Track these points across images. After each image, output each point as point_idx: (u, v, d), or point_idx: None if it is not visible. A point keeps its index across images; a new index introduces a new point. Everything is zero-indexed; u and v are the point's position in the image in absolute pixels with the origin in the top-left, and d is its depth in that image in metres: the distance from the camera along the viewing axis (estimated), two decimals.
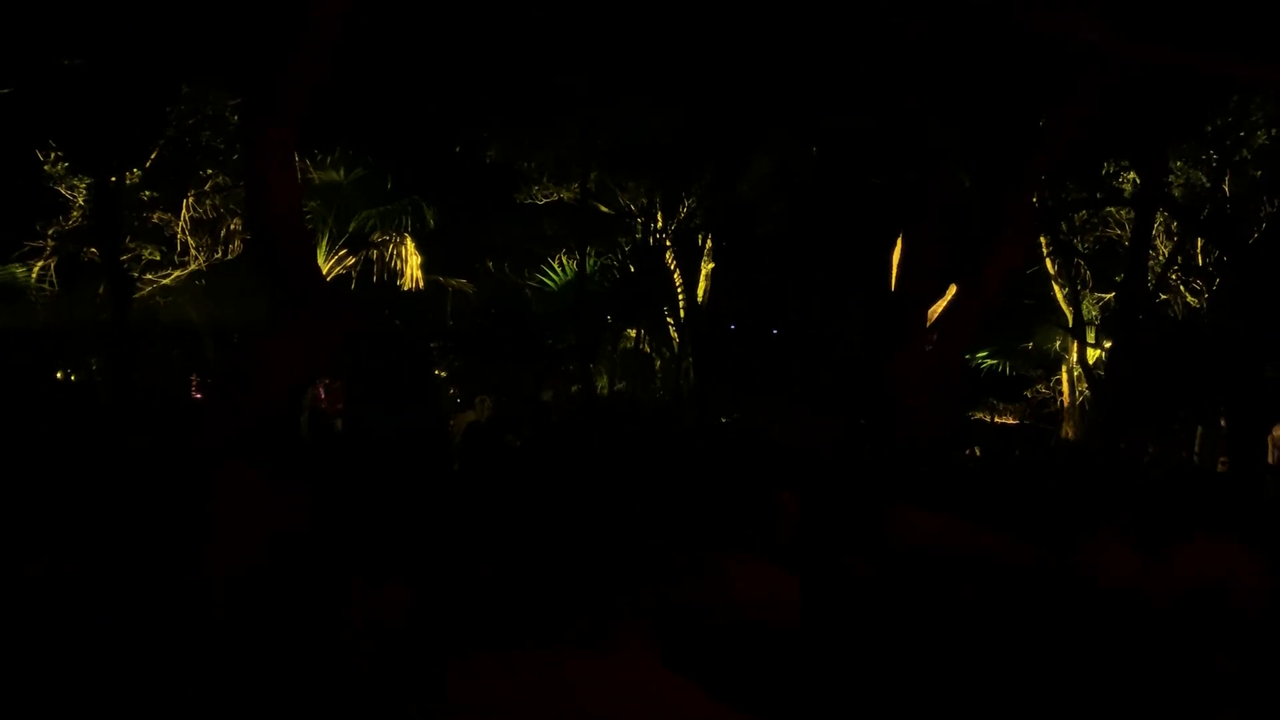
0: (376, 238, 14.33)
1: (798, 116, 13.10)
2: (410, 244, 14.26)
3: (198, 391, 13.96)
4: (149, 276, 13.35)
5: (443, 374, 14.58)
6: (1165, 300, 15.74)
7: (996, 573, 2.58)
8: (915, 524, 2.68)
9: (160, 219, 13.14)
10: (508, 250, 15.40)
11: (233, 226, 13.03)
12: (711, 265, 15.48)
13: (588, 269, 13.99)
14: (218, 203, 12.97)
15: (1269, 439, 13.59)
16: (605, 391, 15.45)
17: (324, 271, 11.41)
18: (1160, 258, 15.27)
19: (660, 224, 15.36)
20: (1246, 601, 2.54)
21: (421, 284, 14.27)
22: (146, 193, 12.99)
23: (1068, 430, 16.89)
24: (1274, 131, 13.88)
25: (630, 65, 12.99)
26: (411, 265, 14.22)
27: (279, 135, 3.64)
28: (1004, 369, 18.09)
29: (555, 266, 15.36)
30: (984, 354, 17.34)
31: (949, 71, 9.33)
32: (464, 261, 15.33)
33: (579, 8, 12.17)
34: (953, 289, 11.47)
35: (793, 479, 4.18)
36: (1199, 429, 15.47)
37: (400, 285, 14.42)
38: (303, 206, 4.15)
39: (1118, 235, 15.53)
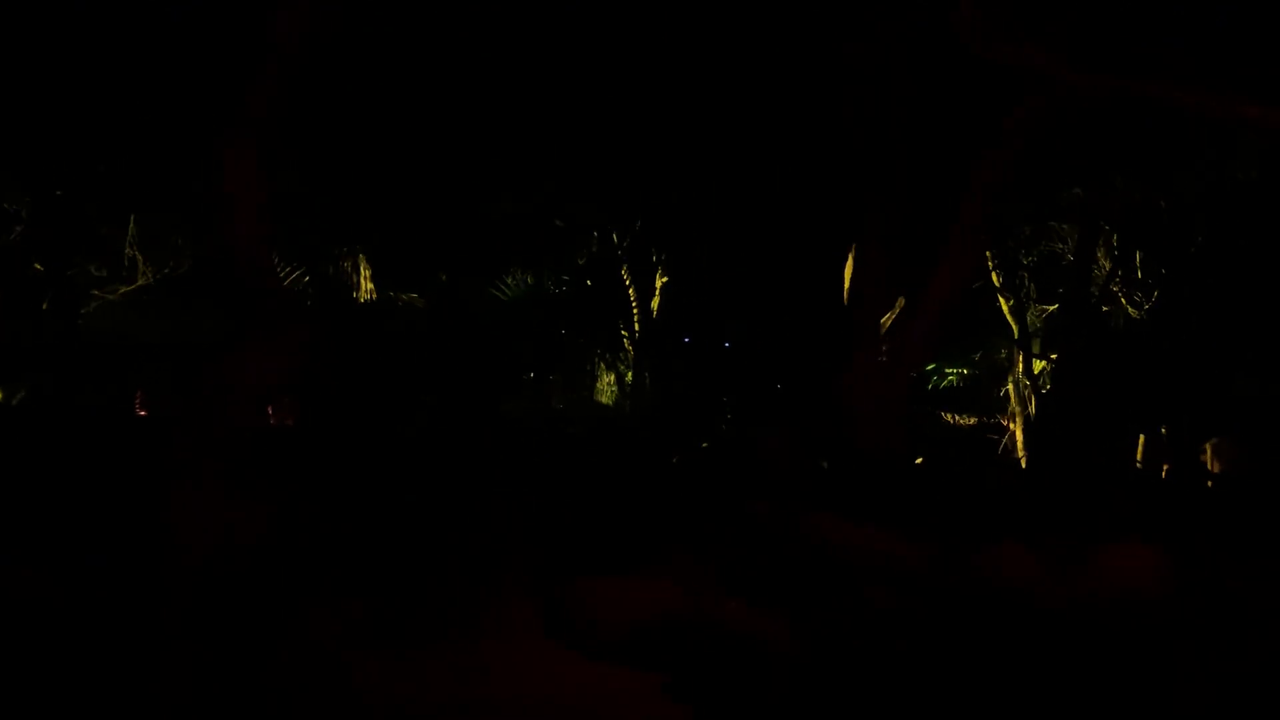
0: (333, 251, 14.26)
1: (750, 133, 13.28)
2: (363, 258, 14.20)
3: (142, 409, 13.73)
4: (95, 293, 13.13)
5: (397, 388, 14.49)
6: (1108, 311, 16.15)
7: (903, 578, 2.73)
8: (834, 531, 2.82)
9: (107, 234, 12.95)
10: (462, 265, 15.37)
11: (182, 242, 12.88)
12: (666, 279, 15.60)
13: (543, 283, 14.01)
14: (168, 218, 12.82)
15: (1209, 447, 13.97)
16: (562, 406, 15.47)
17: None
18: (1102, 270, 15.68)
19: (615, 238, 15.45)
20: (1155, 605, 2.66)
21: (375, 296, 14.21)
22: (93, 207, 12.80)
23: (1016, 439, 17.24)
24: (1212, 146, 14.35)
25: (586, 81, 13.09)
26: (365, 278, 14.15)
27: (242, 151, 3.65)
28: (956, 381, 18.42)
29: (509, 281, 15.39)
30: (931, 366, 17.64)
31: (896, 87, 9.55)
32: (416, 276, 15.28)
33: (535, 24, 12.23)
34: (902, 301, 11.71)
35: (760, 490, 4.29)
36: (1141, 437, 15.87)
37: (355, 298, 14.34)
38: (266, 219, 4.16)
39: (1060, 249, 15.92)
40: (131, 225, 12.89)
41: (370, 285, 14.23)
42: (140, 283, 13.19)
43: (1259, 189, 12.92)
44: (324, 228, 14.10)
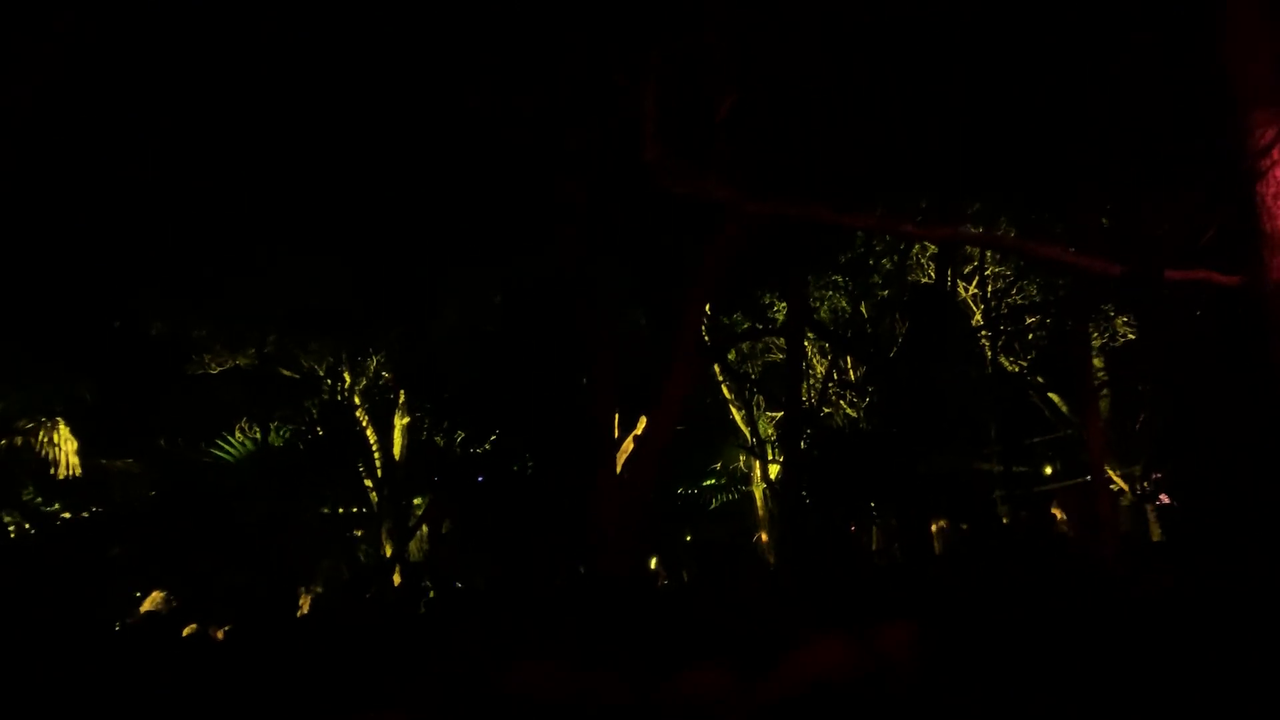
0: (23, 424, 12.82)
1: (475, 269, 13.42)
2: (64, 429, 12.87)
3: None
4: None
5: (112, 565, 13.08)
6: (829, 413, 17.32)
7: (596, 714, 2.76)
8: (531, 676, 2.82)
9: None
10: (180, 425, 14.33)
11: None
12: (407, 419, 15.22)
13: (271, 437, 13.28)
14: None
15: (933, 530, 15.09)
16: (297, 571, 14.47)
17: None
18: (820, 375, 16.87)
19: (348, 383, 14.96)
20: (848, 694, 2.82)
21: (78, 471, 12.85)
22: None
23: (763, 541, 17.94)
24: (895, 258, 15.96)
25: (301, 225, 12.79)
26: (67, 451, 12.81)
27: None
28: (695, 490, 19.02)
29: (235, 438, 14.45)
30: (681, 488, 18.17)
31: (607, 222, 10.05)
32: (130, 440, 14.08)
33: (236, 164, 11.85)
34: (642, 421, 12.05)
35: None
36: (874, 526, 16.96)
37: (54, 474, 12.94)
38: None
39: (781, 359, 17.04)
40: None
41: (74, 459, 12.86)
42: None
43: (934, 293, 14.41)
44: (16, 395, 12.75)
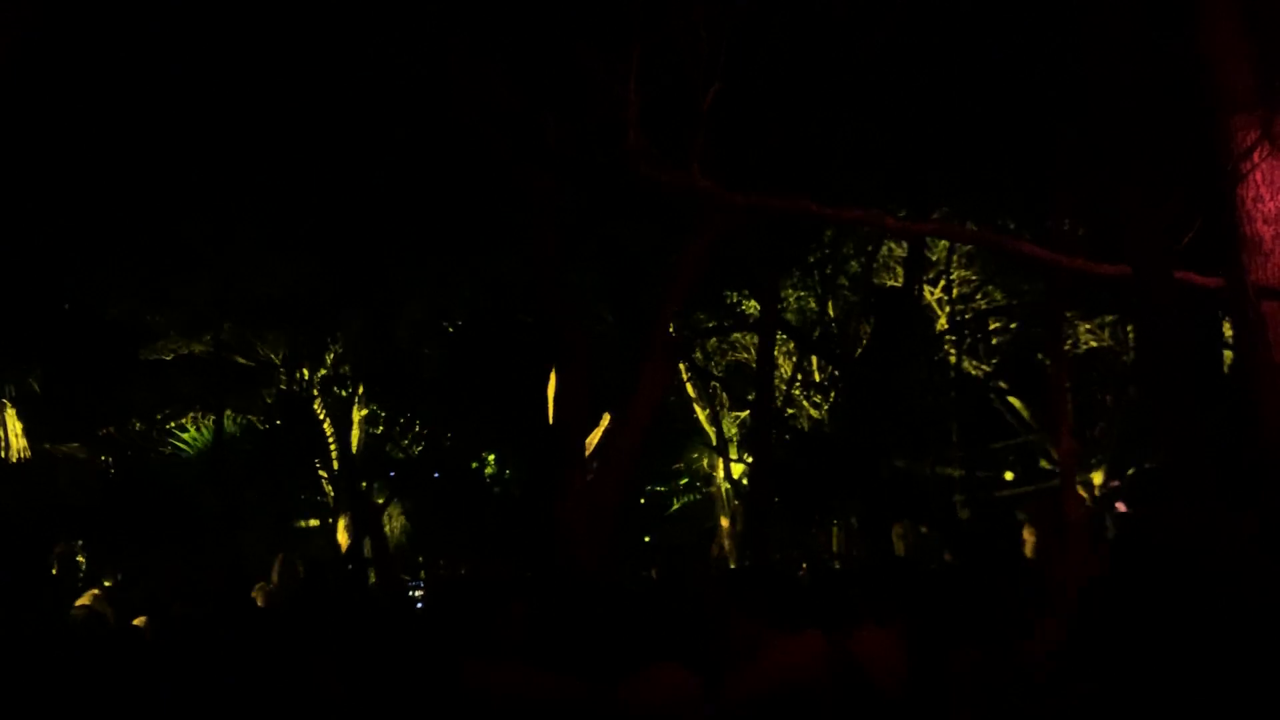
0: None
1: (445, 262, 13.21)
2: (11, 411, 12.50)
3: None
4: None
5: (57, 557, 12.71)
6: (793, 414, 17.31)
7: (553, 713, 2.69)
8: (489, 676, 2.71)
9: None
10: (134, 412, 13.97)
11: None
12: (365, 412, 14.96)
13: (227, 426, 12.98)
14: None
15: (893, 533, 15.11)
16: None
17: None
18: (785, 376, 16.85)
19: (306, 374, 14.65)
20: (815, 694, 2.74)
21: (28, 454, 12.47)
22: None
23: (725, 543, 17.92)
24: (863, 260, 15.98)
25: (261, 210, 12.53)
26: (14, 434, 12.43)
27: None
28: (658, 490, 18.98)
29: (190, 427, 14.10)
30: (644, 488, 18.09)
31: (579, 216, 9.93)
32: (81, 427, 13.69)
33: (197, 146, 11.57)
34: (606, 418, 11.92)
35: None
36: (834, 528, 16.97)
37: (4, 457, 12.55)
38: None
39: (746, 358, 17.00)
40: None
41: (22, 441, 12.49)
42: None
43: (900, 296, 14.44)
44: None
